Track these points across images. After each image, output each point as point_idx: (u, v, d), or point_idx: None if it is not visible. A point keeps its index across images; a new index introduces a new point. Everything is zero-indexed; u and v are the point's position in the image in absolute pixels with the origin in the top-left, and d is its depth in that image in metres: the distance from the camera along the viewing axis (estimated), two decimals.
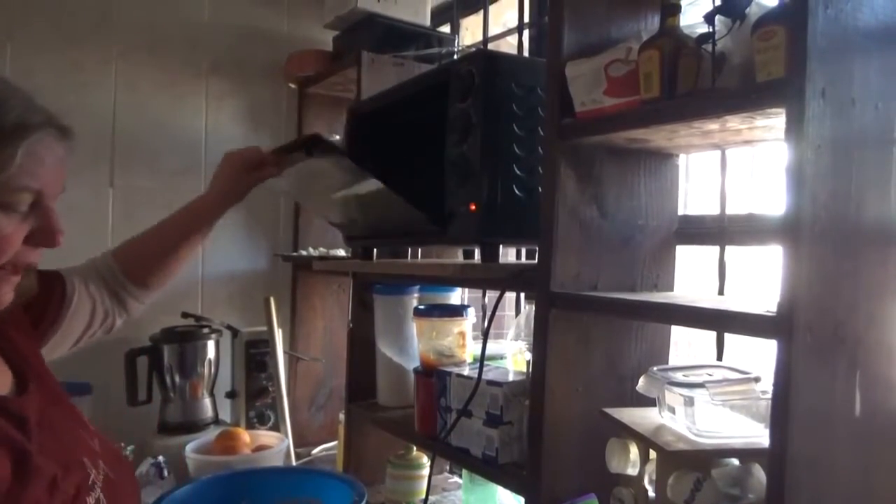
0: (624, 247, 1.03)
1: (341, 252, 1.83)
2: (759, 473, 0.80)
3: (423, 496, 1.34)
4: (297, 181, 1.33)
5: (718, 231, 1.10)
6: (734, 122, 0.81)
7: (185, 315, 1.80)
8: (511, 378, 1.12)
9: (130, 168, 1.84)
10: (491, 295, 1.66)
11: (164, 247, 1.16)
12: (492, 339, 1.15)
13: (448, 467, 1.68)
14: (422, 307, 1.37)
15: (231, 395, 1.85)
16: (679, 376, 0.91)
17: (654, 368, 0.95)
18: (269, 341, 1.74)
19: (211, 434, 1.65)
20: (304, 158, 1.16)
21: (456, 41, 1.88)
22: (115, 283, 1.11)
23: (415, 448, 1.46)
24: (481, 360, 1.12)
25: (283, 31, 2.07)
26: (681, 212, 1.11)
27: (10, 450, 0.75)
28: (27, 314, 0.96)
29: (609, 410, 0.97)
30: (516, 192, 1.06)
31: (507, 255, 1.56)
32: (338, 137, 1.90)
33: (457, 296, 1.54)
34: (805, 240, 0.68)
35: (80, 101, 1.76)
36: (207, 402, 1.79)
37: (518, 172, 1.06)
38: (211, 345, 1.80)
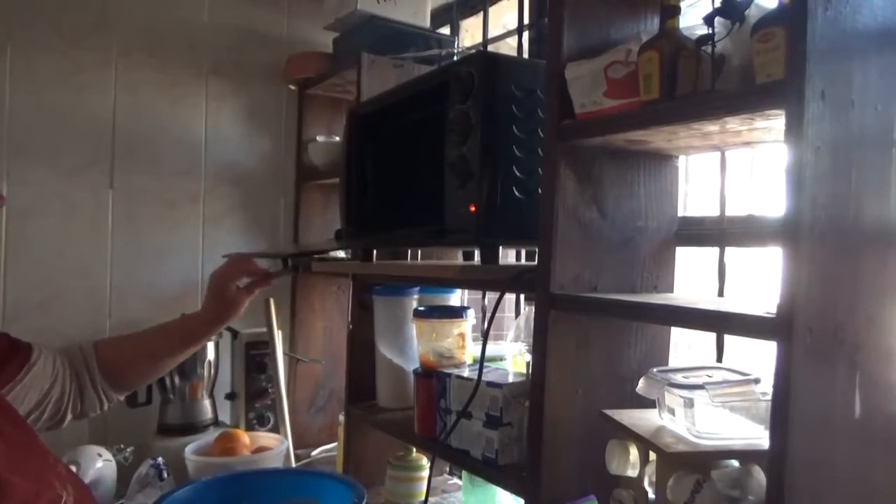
0: (624, 248, 1.03)
1: (341, 253, 1.83)
2: (759, 475, 0.80)
3: (423, 498, 1.34)
4: None
5: (718, 232, 1.10)
6: (734, 123, 0.81)
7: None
8: (511, 379, 1.12)
9: (130, 169, 1.84)
10: (491, 296, 1.66)
11: (149, 352, 1.18)
12: (491, 341, 1.15)
13: (448, 469, 1.67)
14: (421, 309, 1.37)
15: (231, 396, 1.85)
16: (679, 378, 0.90)
17: (654, 370, 0.94)
18: (268, 343, 1.74)
19: (210, 435, 1.65)
20: (289, 272, 1.37)
21: (456, 43, 1.88)
22: (82, 368, 1.10)
23: (414, 449, 1.46)
24: (481, 361, 1.12)
25: (282, 33, 2.07)
26: (680, 213, 1.11)
27: None
28: None
29: (609, 412, 0.97)
30: (516, 193, 1.06)
31: (507, 256, 1.56)
32: (337, 139, 1.90)
33: (456, 297, 1.54)
34: (804, 241, 0.68)
35: (79, 102, 1.76)
36: (207, 403, 1.79)
37: (518, 174, 1.06)
38: (210, 346, 1.79)
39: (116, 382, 1.13)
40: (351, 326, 1.58)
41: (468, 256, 1.45)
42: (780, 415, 0.68)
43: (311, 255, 1.34)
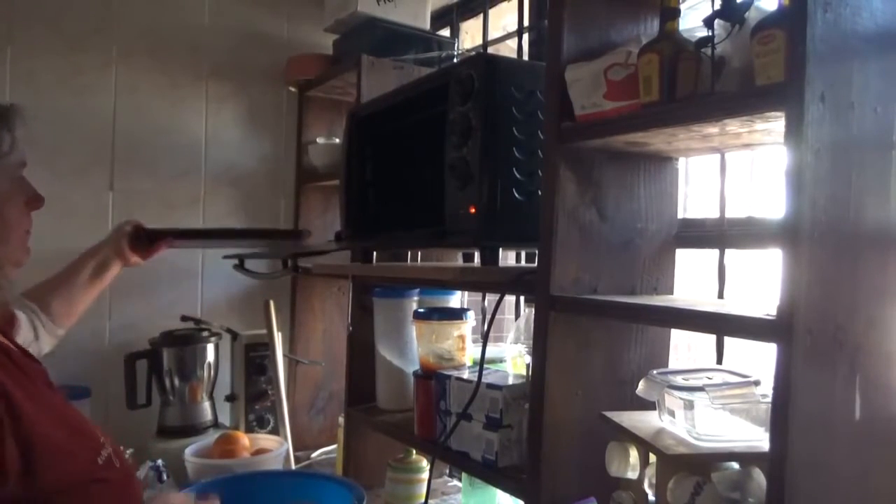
0: (623, 250, 1.04)
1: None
2: (759, 477, 0.80)
3: (423, 500, 1.34)
4: None
5: (718, 234, 1.10)
6: (733, 125, 0.81)
7: (184, 318, 1.79)
8: (511, 381, 1.12)
9: (130, 171, 1.84)
10: (491, 298, 1.65)
11: (71, 284, 1.26)
12: (491, 343, 1.15)
13: (448, 471, 1.67)
14: (421, 310, 1.37)
15: (230, 398, 1.85)
16: (679, 380, 0.90)
17: (654, 372, 0.94)
18: (268, 344, 1.74)
19: (210, 437, 1.65)
20: (289, 272, 1.52)
21: (456, 45, 1.88)
22: (32, 315, 1.19)
23: (414, 451, 1.46)
24: (481, 363, 1.12)
25: (283, 35, 2.07)
26: (680, 215, 1.11)
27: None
28: None
29: (609, 414, 0.97)
30: (516, 195, 1.06)
31: (507, 258, 1.56)
32: (337, 141, 1.90)
33: (456, 299, 1.54)
34: (804, 243, 0.68)
35: (80, 104, 1.76)
36: (207, 405, 1.79)
37: (518, 176, 1.06)
38: (210, 348, 1.79)
39: (54, 317, 1.21)
40: (351, 328, 1.58)
41: (468, 258, 1.45)
42: (781, 417, 0.68)
43: (311, 255, 1.35)
